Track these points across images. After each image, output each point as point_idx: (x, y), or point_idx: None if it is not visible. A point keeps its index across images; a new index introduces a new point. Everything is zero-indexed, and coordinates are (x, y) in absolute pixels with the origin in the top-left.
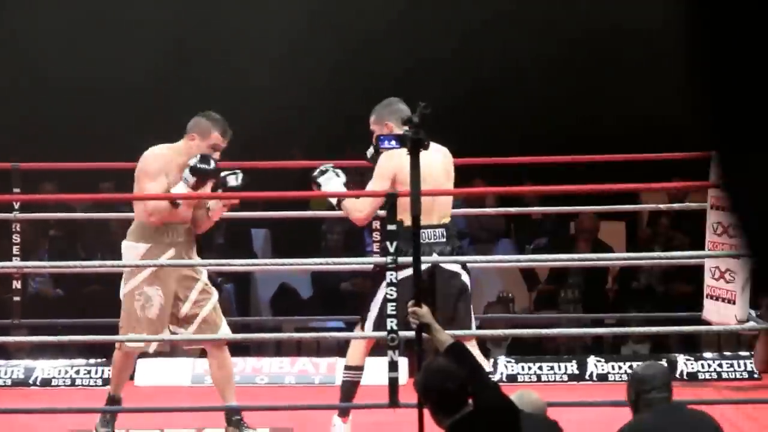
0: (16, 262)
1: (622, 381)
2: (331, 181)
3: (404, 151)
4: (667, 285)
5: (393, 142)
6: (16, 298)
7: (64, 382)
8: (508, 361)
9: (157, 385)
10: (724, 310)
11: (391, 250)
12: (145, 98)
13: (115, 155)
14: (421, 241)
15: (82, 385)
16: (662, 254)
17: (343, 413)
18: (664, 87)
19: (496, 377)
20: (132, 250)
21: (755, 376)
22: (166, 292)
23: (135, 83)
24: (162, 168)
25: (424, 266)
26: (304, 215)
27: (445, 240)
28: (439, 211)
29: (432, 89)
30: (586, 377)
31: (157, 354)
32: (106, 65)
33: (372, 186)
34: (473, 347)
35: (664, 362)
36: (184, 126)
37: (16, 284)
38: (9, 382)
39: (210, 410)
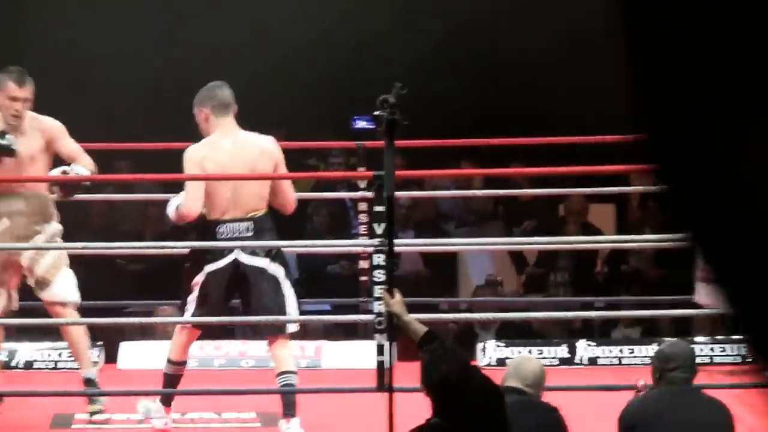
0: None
1: (612, 365)
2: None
3: (206, 143)
4: (657, 268)
5: (366, 122)
6: None
7: (46, 365)
8: (497, 345)
9: (140, 368)
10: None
11: (379, 231)
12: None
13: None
14: (224, 235)
15: (66, 368)
16: (652, 237)
17: (166, 401)
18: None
19: (484, 361)
20: None
21: (748, 360)
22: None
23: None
24: None
25: (224, 261)
26: None
27: (251, 234)
28: (244, 204)
29: (418, 69)
30: (576, 361)
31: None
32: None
33: None
34: (284, 347)
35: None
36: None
37: None
38: None
39: (189, 394)
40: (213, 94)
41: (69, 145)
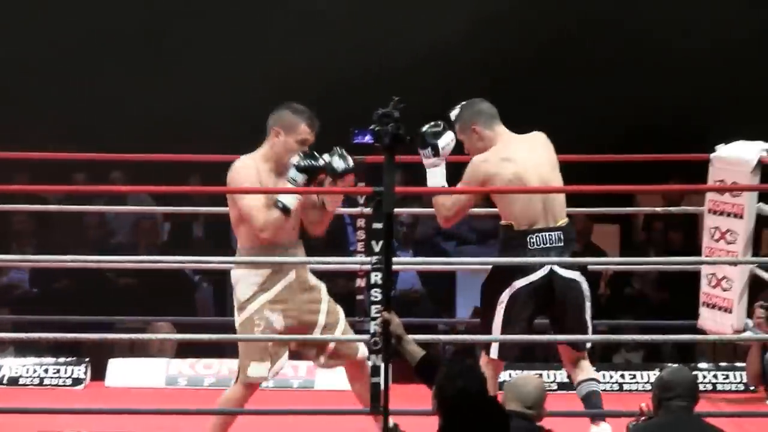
0: None
1: (612, 390)
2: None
3: (496, 154)
4: (661, 291)
5: (367, 137)
6: None
7: (32, 381)
8: None
9: (129, 386)
10: (720, 318)
11: (377, 249)
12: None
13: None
14: (535, 246)
15: (51, 385)
16: (656, 259)
17: None
18: (664, 89)
19: None
20: (250, 278)
21: (751, 388)
22: (288, 315)
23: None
24: (256, 179)
25: (540, 273)
26: None
27: (562, 244)
28: (552, 211)
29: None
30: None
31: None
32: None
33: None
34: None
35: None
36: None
37: None
38: None
39: (180, 414)
40: (478, 109)
41: None
